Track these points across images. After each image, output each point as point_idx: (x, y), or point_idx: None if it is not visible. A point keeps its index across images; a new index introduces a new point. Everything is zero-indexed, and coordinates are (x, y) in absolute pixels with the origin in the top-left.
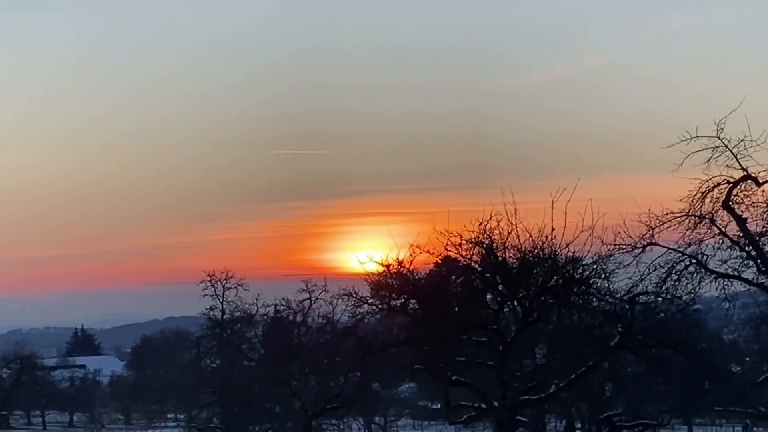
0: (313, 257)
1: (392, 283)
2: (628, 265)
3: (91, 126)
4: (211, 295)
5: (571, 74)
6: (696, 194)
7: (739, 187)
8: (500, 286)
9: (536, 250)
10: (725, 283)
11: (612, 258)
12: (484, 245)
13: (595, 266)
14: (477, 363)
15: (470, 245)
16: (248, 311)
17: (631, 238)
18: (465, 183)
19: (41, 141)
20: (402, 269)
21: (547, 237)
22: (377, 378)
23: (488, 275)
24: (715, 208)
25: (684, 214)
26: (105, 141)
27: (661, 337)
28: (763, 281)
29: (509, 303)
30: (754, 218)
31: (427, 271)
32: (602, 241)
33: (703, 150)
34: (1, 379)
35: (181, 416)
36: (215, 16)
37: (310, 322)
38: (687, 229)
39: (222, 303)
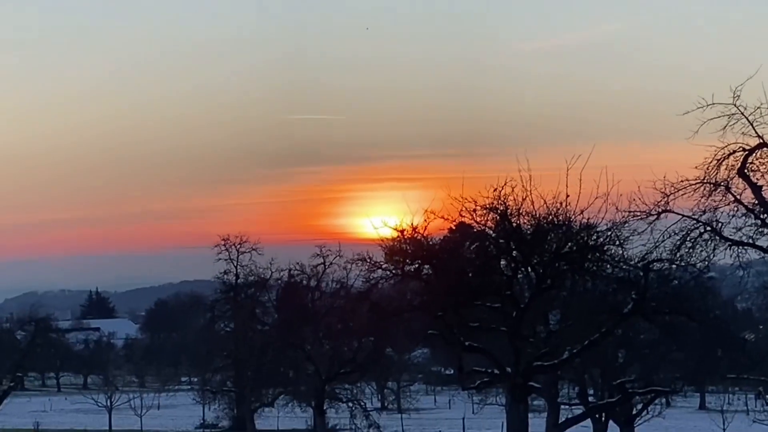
0: (327, 222)
1: (406, 248)
2: (643, 232)
3: (108, 92)
4: (226, 259)
5: (587, 40)
6: (711, 161)
7: (754, 154)
8: (514, 252)
9: (551, 217)
10: (740, 250)
11: (626, 225)
12: (499, 211)
13: (609, 233)
14: (490, 329)
15: (485, 211)
16: (262, 275)
17: (646, 205)
18: (480, 149)
19: (56, 107)
20: (416, 235)
21: (561, 203)
22: (390, 343)
23: (502, 241)
24: (731, 175)
25: (699, 181)
26: (121, 107)
27: (674, 305)
28: None
29: (523, 269)
30: None
31: (442, 237)
32: (617, 208)
33: (719, 117)
34: (16, 341)
35: (195, 379)
36: None
37: (324, 287)
38: (702, 197)
39: (236, 267)
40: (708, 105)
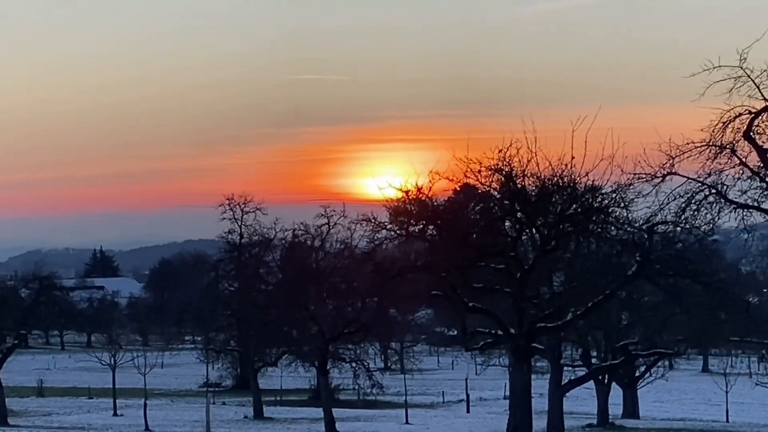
0: (331, 182)
1: (411, 209)
2: (648, 194)
3: (111, 49)
4: (230, 219)
5: (594, 1)
6: (717, 124)
7: (760, 117)
8: (519, 213)
9: (556, 178)
10: (744, 213)
11: (631, 187)
12: (504, 172)
13: (614, 195)
14: (494, 290)
15: (490, 172)
16: (266, 235)
17: (651, 167)
18: (485, 110)
19: (61, 62)
20: (421, 195)
21: (566, 165)
22: (394, 304)
23: (507, 202)
24: (736, 138)
25: (705, 144)
26: (123, 63)
27: (679, 267)
28: None
29: (528, 230)
30: None
31: (446, 198)
32: (622, 170)
33: (725, 80)
34: (20, 299)
35: (199, 339)
36: None
37: (328, 247)
38: (707, 159)
39: (240, 227)
40: (714, 67)
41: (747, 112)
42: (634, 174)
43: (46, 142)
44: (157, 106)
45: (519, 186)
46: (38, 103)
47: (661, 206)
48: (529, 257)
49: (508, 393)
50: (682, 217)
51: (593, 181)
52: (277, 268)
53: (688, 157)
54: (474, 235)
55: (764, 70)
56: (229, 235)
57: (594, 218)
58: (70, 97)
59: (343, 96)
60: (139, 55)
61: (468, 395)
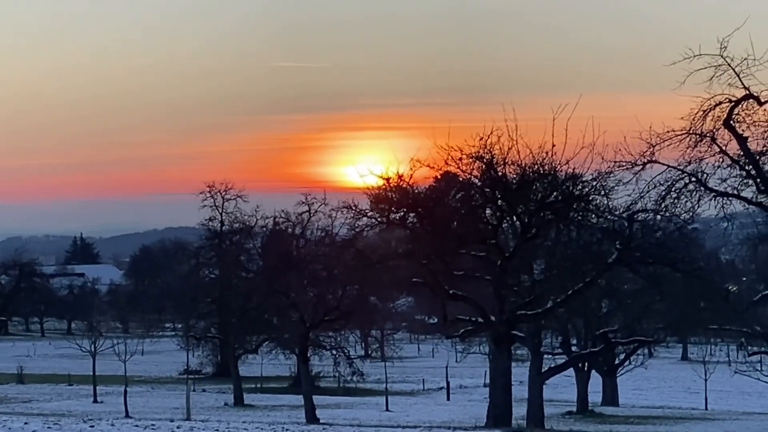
0: (312, 170)
1: (392, 196)
2: (628, 182)
3: (92, 37)
4: (211, 206)
5: None
6: (697, 112)
7: (740, 105)
8: (500, 201)
9: (536, 166)
10: (724, 201)
11: (612, 175)
12: (485, 160)
13: (594, 183)
14: (475, 277)
15: (471, 160)
16: (247, 223)
17: (632, 155)
18: (466, 98)
19: (42, 51)
20: (402, 183)
21: (547, 153)
22: (375, 291)
23: (488, 190)
24: (716, 126)
25: (685, 132)
26: (103, 52)
27: (659, 255)
28: (761, 200)
29: (508, 218)
30: (755, 137)
31: (427, 186)
32: (602, 158)
33: (705, 68)
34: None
35: (179, 326)
36: None
37: (309, 235)
38: (687, 147)
39: (221, 214)
40: (695, 56)
41: (727, 100)
42: (615, 162)
43: (26, 129)
44: (138, 94)
45: (500, 174)
46: (18, 91)
47: (642, 194)
48: (509, 245)
49: (488, 380)
50: (663, 205)
51: (574, 169)
52: (257, 256)
53: (668, 146)
54: (455, 223)
55: (744, 59)
56: (210, 223)
57: (574, 206)
58: (51, 85)
59: (324, 84)
60: (119, 43)
61: (448, 383)
